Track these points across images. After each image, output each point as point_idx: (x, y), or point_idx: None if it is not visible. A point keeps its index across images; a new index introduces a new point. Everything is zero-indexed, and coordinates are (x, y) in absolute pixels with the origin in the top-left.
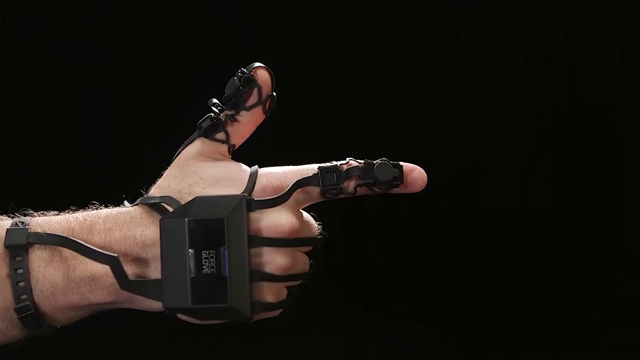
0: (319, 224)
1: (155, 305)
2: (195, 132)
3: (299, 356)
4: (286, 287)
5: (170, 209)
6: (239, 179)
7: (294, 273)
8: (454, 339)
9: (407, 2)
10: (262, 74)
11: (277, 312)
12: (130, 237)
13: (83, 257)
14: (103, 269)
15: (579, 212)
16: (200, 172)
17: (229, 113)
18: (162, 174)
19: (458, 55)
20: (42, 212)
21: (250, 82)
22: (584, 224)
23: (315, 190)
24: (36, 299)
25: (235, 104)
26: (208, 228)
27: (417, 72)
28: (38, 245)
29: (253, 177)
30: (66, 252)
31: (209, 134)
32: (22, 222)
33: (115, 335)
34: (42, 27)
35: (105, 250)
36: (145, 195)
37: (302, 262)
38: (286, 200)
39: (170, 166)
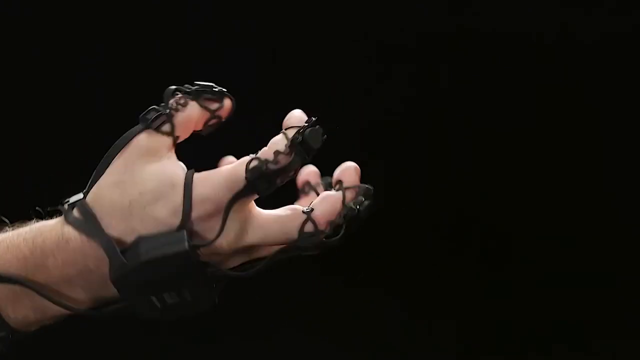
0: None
1: None
2: (139, 125)
3: (298, 355)
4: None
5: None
6: (176, 187)
7: None
8: (451, 338)
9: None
10: (228, 103)
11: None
12: (86, 271)
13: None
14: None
15: (578, 211)
16: (140, 183)
17: (184, 99)
18: (103, 170)
19: (456, 54)
20: (17, 223)
21: (220, 95)
22: (584, 224)
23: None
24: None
25: (198, 93)
26: (162, 270)
27: (416, 70)
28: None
29: (188, 193)
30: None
31: (154, 125)
32: None
33: (115, 338)
34: (42, 28)
35: (66, 283)
36: (77, 219)
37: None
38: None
39: (114, 163)
